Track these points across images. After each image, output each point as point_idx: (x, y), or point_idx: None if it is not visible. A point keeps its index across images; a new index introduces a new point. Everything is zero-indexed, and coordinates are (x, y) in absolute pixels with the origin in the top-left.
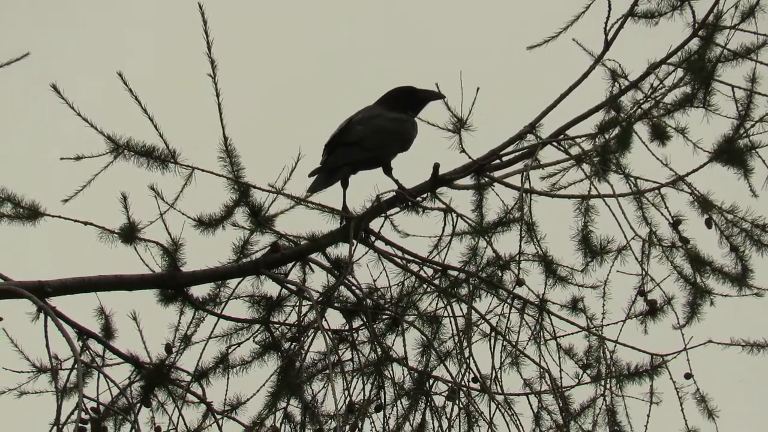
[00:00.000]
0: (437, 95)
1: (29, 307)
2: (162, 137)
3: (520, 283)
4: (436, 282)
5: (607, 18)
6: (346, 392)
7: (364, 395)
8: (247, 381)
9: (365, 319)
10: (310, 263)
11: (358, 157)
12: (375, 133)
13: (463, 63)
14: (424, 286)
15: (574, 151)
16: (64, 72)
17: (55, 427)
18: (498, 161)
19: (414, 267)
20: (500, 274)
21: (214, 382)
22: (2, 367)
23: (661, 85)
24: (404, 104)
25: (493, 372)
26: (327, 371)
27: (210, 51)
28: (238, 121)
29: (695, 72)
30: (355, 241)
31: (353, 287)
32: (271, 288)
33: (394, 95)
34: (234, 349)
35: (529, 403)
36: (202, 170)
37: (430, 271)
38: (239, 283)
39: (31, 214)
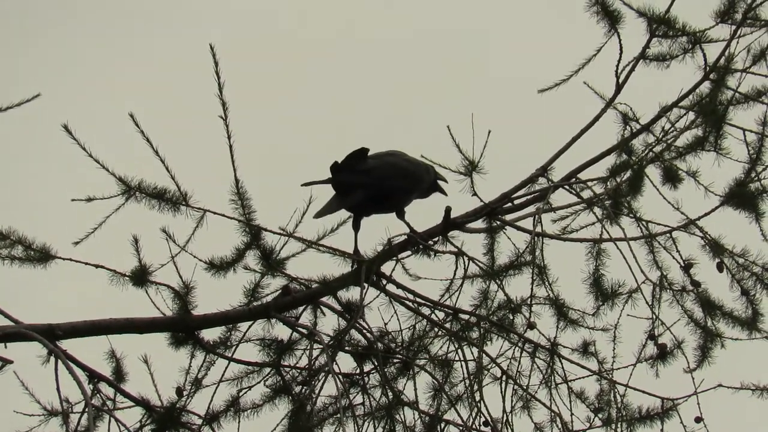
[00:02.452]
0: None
1: (40, 350)
2: (174, 179)
3: (531, 326)
4: (448, 325)
5: (619, 60)
6: None
7: None
8: (258, 424)
9: (376, 363)
10: (321, 306)
11: (363, 181)
12: (384, 165)
13: (474, 106)
14: (436, 329)
15: (586, 194)
16: (75, 113)
17: None
18: (510, 204)
19: (425, 310)
20: (511, 318)
21: (225, 425)
22: (13, 410)
23: (672, 128)
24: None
25: (504, 416)
26: (338, 415)
27: (221, 93)
28: (249, 162)
29: (706, 115)
30: (366, 285)
31: (364, 330)
32: (282, 331)
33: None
34: (245, 393)
35: None
36: (214, 213)
37: (441, 315)
38: (250, 327)
39: (42, 256)
